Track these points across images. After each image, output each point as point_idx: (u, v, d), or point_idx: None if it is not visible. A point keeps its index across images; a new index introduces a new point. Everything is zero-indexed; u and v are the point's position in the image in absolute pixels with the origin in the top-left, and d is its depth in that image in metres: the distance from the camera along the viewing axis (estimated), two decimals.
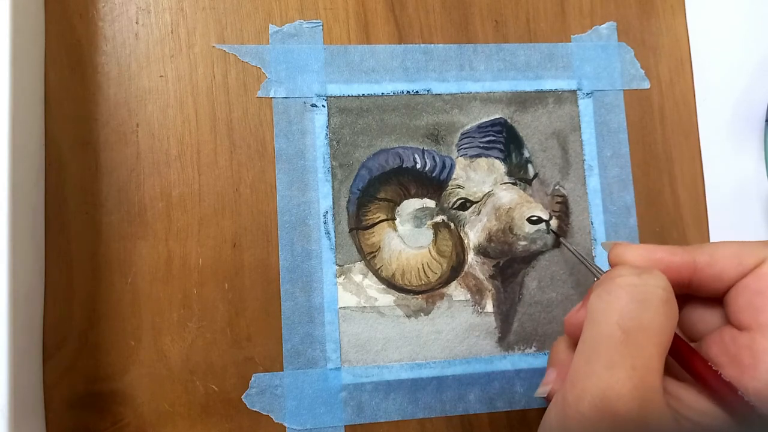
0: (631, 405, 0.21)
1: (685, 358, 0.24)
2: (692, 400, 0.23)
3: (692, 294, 0.26)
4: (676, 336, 0.24)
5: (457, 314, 0.33)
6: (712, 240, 0.36)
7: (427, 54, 0.35)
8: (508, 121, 0.35)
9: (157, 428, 0.31)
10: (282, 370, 0.32)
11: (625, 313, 0.23)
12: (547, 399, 0.27)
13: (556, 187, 0.35)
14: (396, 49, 0.35)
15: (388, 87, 0.34)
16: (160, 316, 0.32)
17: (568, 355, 0.27)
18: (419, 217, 0.34)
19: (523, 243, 0.34)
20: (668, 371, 0.25)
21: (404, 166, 0.34)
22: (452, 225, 0.34)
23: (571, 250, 0.33)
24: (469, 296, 0.34)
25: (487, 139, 0.35)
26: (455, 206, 0.34)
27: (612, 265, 0.26)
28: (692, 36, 0.37)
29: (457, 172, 0.34)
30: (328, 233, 0.33)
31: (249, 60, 0.34)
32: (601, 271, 0.28)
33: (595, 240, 0.35)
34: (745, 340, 0.23)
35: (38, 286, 0.30)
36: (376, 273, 0.33)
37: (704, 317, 0.26)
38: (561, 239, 0.34)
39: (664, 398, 0.22)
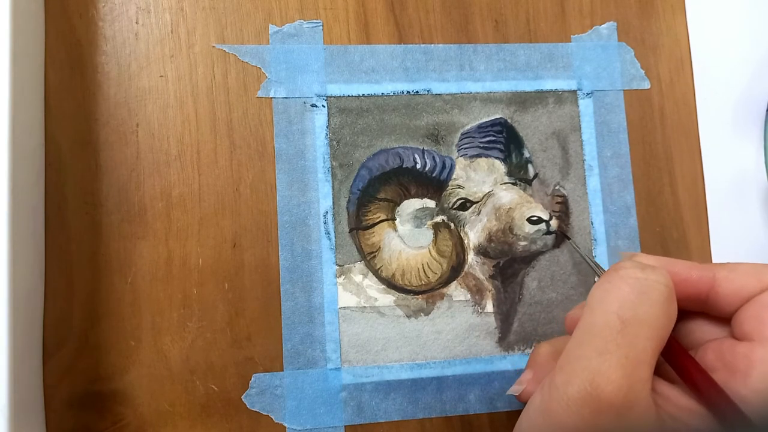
0: (617, 393, 0.21)
1: (676, 358, 0.24)
2: (679, 399, 0.23)
3: (706, 311, 0.26)
4: (670, 336, 0.24)
5: (457, 314, 0.33)
6: (711, 239, 0.36)
7: (427, 54, 0.35)
8: (508, 121, 0.35)
9: (157, 428, 0.31)
10: (282, 370, 0.32)
11: (625, 304, 0.23)
12: (520, 398, 0.28)
13: (556, 187, 0.35)
14: (396, 49, 0.35)
15: (388, 87, 0.34)
16: (160, 316, 0.32)
17: (547, 360, 0.28)
18: (419, 217, 0.34)
19: (523, 243, 0.34)
20: (659, 373, 0.25)
21: (404, 166, 0.34)
22: (452, 225, 0.34)
23: (576, 250, 0.33)
24: (469, 296, 0.34)
25: (487, 139, 0.35)
26: (455, 206, 0.34)
27: None
28: (692, 36, 0.37)
29: (457, 172, 0.34)
30: (328, 233, 0.33)
31: (249, 60, 0.34)
32: (605, 271, 0.28)
33: (595, 240, 0.35)
34: (743, 349, 0.23)
35: (38, 286, 0.30)
36: (376, 273, 0.33)
37: (706, 328, 0.26)
38: (570, 240, 0.34)
39: (651, 395, 0.22)
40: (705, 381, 0.23)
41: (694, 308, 0.26)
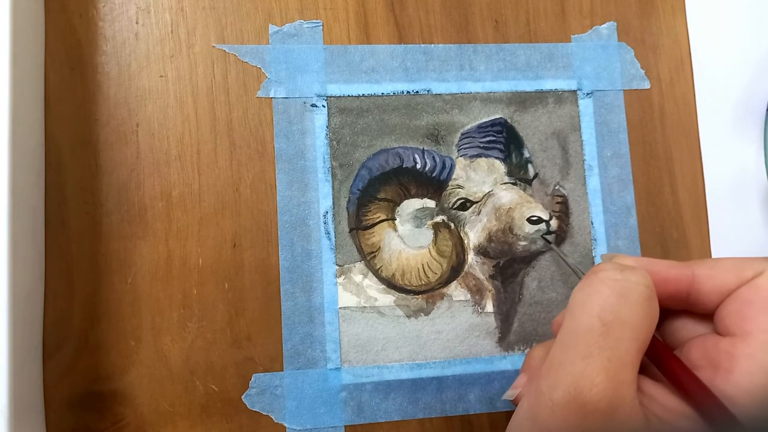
0: (602, 395, 0.21)
1: (660, 358, 0.24)
2: (665, 399, 0.23)
3: (689, 309, 0.26)
4: (653, 336, 0.24)
5: (457, 314, 0.33)
6: (711, 239, 0.36)
7: (427, 54, 0.35)
8: (508, 121, 0.35)
9: (157, 428, 0.31)
10: (282, 370, 0.32)
11: (606, 307, 0.23)
12: (515, 402, 0.28)
13: (556, 187, 0.35)
14: (396, 49, 0.35)
15: (388, 87, 0.34)
16: (160, 316, 0.32)
17: (541, 363, 0.27)
18: (419, 217, 0.34)
19: (523, 243, 0.34)
20: (645, 372, 0.25)
21: (404, 166, 0.34)
22: (452, 225, 0.34)
23: (557, 252, 0.33)
24: (469, 296, 0.34)
25: (487, 139, 0.35)
26: (455, 206, 0.34)
27: None
28: (692, 36, 0.37)
29: (457, 172, 0.34)
30: (328, 233, 0.33)
31: (249, 60, 0.34)
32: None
33: (595, 240, 0.35)
34: (725, 345, 0.23)
35: (38, 286, 0.30)
36: (376, 273, 0.33)
37: (689, 326, 0.26)
38: (551, 244, 0.34)
39: (637, 395, 0.22)
40: (690, 380, 0.23)
41: (677, 306, 0.26)
